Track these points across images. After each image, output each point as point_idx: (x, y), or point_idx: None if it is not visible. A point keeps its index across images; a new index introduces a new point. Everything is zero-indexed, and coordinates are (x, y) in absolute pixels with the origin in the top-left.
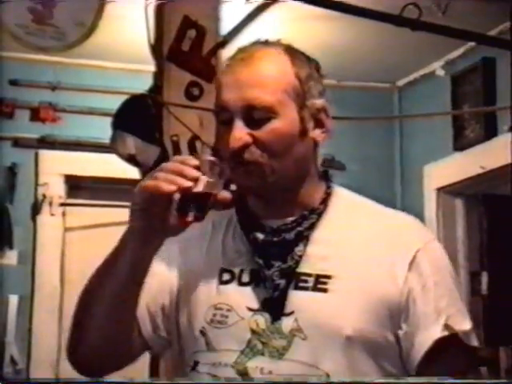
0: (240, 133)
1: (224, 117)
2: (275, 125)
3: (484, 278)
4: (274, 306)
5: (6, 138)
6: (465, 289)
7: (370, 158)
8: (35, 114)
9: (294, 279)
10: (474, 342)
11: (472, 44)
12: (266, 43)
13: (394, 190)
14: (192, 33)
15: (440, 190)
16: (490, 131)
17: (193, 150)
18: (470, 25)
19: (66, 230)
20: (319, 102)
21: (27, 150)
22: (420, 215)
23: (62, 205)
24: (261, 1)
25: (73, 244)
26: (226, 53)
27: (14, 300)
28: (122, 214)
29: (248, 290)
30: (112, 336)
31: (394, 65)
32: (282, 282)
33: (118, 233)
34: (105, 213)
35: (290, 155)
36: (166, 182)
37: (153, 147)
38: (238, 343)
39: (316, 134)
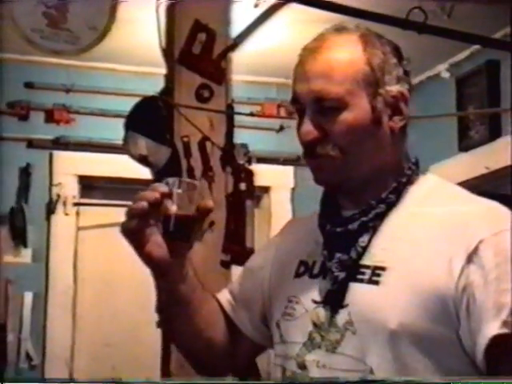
0: (308, 126)
1: (297, 108)
2: (345, 116)
3: None
4: (333, 299)
5: (21, 139)
6: None
7: None
8: (49, 116)
9: (355, 272)
10: None
11: (476, 47)
12: (341, 29)
13: None
14: (202, 36)
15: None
16: (494, 132)
17: (203, 151)
18: (474, 28)
19: (80, 229)
20: (395, 89)
21: (41, 151)
22: None
23: (76, 204)
24: (269, 4)
25: (86, 243)
26: (236, 55)
27: (28, 297)
28: None
29: (316, 282)
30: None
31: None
32: (342, 274)
33: None
34: (117, 212)
35: (363, 147)
36: (131, 212)
37: (164, 148)
38: (302, 336)
39: (393, 122)
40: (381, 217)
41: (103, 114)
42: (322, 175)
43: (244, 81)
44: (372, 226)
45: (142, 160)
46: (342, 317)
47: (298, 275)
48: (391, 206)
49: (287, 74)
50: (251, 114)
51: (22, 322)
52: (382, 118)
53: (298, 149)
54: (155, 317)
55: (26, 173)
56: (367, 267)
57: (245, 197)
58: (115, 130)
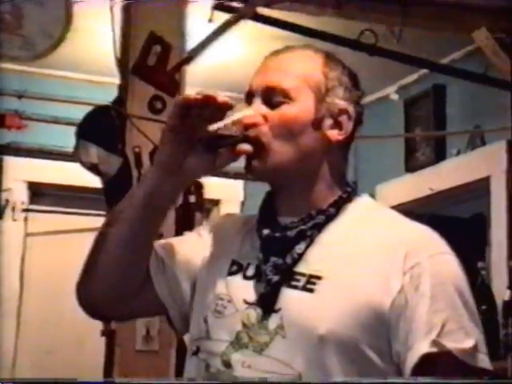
0: (251, 111)
1: (248, 100)
2: (287, 108)
3: None
4: (266, 302)
5: None
6: None
7: None
8: (1, 121)
9: (289, 277)
10: (481, 363)
11: (424, 71)
12: (308, 46)
13: None
14: (157, 48)
15: (391, 209)
16: (439, 154)
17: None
18: (422, 52)
19: (28, 235)
20: (343, 104)
21: None
22: None
23: (24, 210)
24: (224, 20)
25: (33, 249)
26: (190, 69)
27: None
28: (83, 221)
29: (249, 283)
30: (125, 264)
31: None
32: (275, 278)
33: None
34: (66, 220)
35: (295, 141)
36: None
37: (115, 157)
38: (230, 334)
39: (332, 133)
40: (319, 228)
41: (55, 121)
42: (250, 160)
43: None
44: (309, 236)
45: (93, 168)
46: (273, 320)
47: (230, 274)
48: (330, 218)
49: (240, 88)
50: None
51: None
52: (321, 124)
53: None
54: (99, 326)
55: None
56: (302, 275)
57: (194, 209)
58: (67, 138)
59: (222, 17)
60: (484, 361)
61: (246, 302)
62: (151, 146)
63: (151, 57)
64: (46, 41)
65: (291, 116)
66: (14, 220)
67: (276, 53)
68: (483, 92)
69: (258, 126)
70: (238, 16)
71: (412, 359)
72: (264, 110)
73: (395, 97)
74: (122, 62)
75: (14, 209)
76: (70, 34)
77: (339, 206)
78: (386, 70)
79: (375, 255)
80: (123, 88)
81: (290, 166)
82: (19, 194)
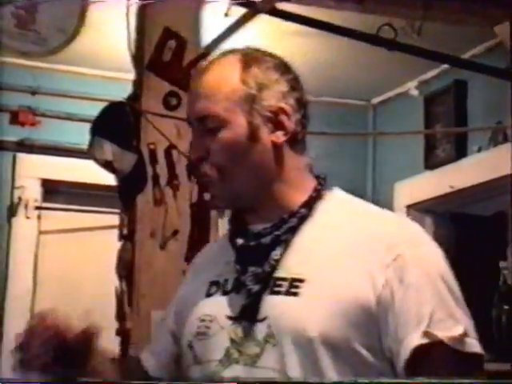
0: (194, 145)
1: (191, 128)
2: (223, 134)
3: None
4: (249, 313)
5: None
6: None
7: (342, 174)
8: (14, 118)
9: (270, 284)
10: (472, 348)
11: (445, 66)
12: (227, 53)
13: None
14: (172, 43)
15: (410, 207)
16: (460, 151)
17: (169, 159)
18: (443, 47)
19: (41, 233)
20: (276, 104)
21: (5, 153)
22: None
23: (38, 208)
24: (240, 14)
25: (47, 247)
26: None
27: None
28: (97, 219)
29: (229, 298)
30: None
31: (369, 83)
32: (256, 287)
33: (92, 238)
34: (80, 218)
35: (240, 165)
36: None
37: (130, 154)
38: (218, 353)
39: (275, 136)
40: (293, 231)
41: (69, 117)
42: (209, 196)
43: None
44: (284, 240)
45: (107, 166)
46: (261, 330)
47: (208, 295)
48: (303, 219)
49: None
50: None
51: None
52: (259, 134)
53: None
54: (114, 323)
55: None
56: (283, 279)
57: (209, 207)
58: (81, 135)
59: (239, 11)
60: (475, 345)
61: (229, 317)
62: (166, 142)
63: (166, 52)
64: (59, 36)
65: (227, 141)
66: (27, 218)
67: (199, 73)
68: (505, 87)
69: (203, 159)
70: (255, 10)
71: (404, 352)
72: (204, 142)
73: (415, 92)
74: (136, 58)
75: (26, 206)
76: (84, 30)
77: (310, 205)
78: (406, 66)
79: (355, 251)
80: (138, 84)
81: (249, 188)
82: (32, 192)
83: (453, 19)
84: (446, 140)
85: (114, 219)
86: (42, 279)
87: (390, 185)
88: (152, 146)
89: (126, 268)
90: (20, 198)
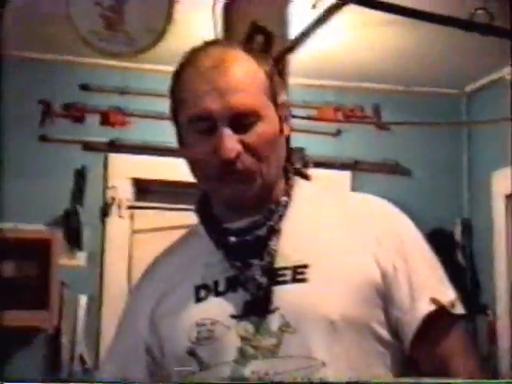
0: (231, 142)
1: (204, 126)
2: (261, 128)
3: None
4: (260, 306)
5: (77, 142)
6: None
7: (437, 164)
8: (105, 118)
9: (273, 275)
10: (461, 310)
11: None
12: (223, 44)
13: (462, 197)
14: (260, 38)
15: (509, 196)
16: None
17: None
18: None
19: (134, 232)
20: (284, 98)
21: (97, 154)
22: (488, 222)
23: (130, 207)
24: (328, 6)
25: (140, 246)
26: (293, 58)
27: (83, 300)
28: (188, 217)
29: (226, 298)
30: None
31: (462, 70)
32: (264, 279)
33: None
34: (171, 216)
35: (274, 156)
36: None
37: None
38: (230, 354)
39: (286, 129)
40: (280, 219)
41: (159, 116)
42: (238, 190)
43: (301, 84)
44: (276, 229)
45: None
46: (273, 321)
47: (200, 300)
48: (286, 207)
49: (345, 77)
50: (308, 118)
51: (76, 325)
52: (283, 127)
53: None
54: None
55: (81, 175)
56: (285, 268)
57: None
58: (170, 133)
59: (327, 2)
60: (462, 307)
61: (233, 316)
62: None
63: (254, 47)
64: (148, 35)
65: (267, 134)
66: (120, 217)
67: (214, 67)
68: None
69: (241, 155)
70: (342, 1)
71: (415, 321)
72: (236, 137)
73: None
74: None
75: (119, 206)
76: (172, 28)
77: (289, 192)
78: (501, 51)
79: (349, 230)
80: None
81: (272, 180)
82: (124, 191)
83: None
84: None
85: None
86: (137, 278)
87: (488, 174)
88: None
89: None
90: (113, 198)
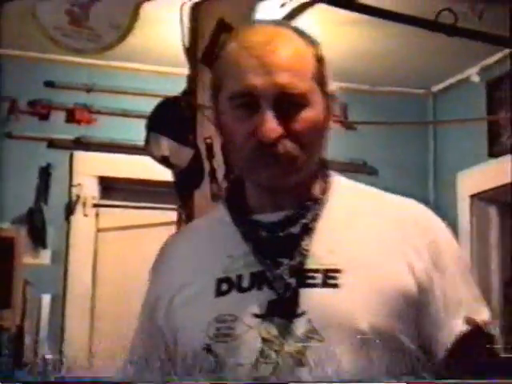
0: (273, 123)
1: (246, 103)
2: (307, 114)
3: None
4: (286, 308)
5: (42, 139)
6: (497, 298)
7: (403, 164)
8: (70, 116)
9: (303, 277)
10: (494, 331)
11: (508, 50)
12: (273, 22)
13: (427, 196)
14: (227, 36)
15: (474, 196)
16: None
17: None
18: (506, 31)
19: (99, 230)
20: (334, 88)
21: (62, 151)
22: (453, 222)
23: (96, 206)
24: (295, 4)
25: (105, 245)
26: None
27: (46, 299)
28: (155, 215)
29: (250, 295)
30: None
31: (428, 70)
32: (293, 280)
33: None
34: (137, 214)
35: (317, 148)
36: None
37: (186, 149)
38: (250, 355)
39: (331, 121)
40: (316, 218)
41: (125, 114)
42: (275, 176)
43: None
44: (310, 228)
45: (164, 161)
46: (299, 326)
47: (221, 293)
48: (322, 206)
49: None
50: None
51: (39, 324)
52: (329, 118)
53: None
54: None
55: (46, 173)
56: (316, 271)
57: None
58: (137, 131)
59: (294, 1)
60: (495, 328)
61: (256, 315)
62: None
63: (221, 45)
64: (113, 32)
65: (314, 122)
66: (85, 215)
67: (264, 44)
68: None
69: (282, 138)
70: (310, 0)
71: (448, 339)
72: (279, 119)
73: (477, 78)
74: (190, 52)
75: (84, 204)
76: (138, 25)
77: (326, 191)
78: (467, 51)
79: (386, 236)
80: (193, 78)
81: (311, 170)
82: (90, 189)
83: None
84: (510, 127)
85: (172, 215)
86: (101, 277)
87: (453, 174)
88: (208, 141)
89: None
90: (78, 196)
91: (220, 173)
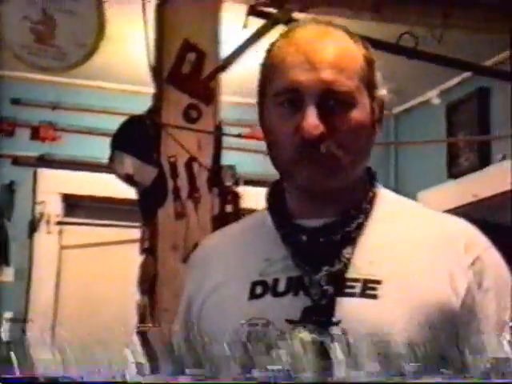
0: (315, 120)
1: (290, 100)
2: (354, 114)
3: None
4: (321, 316)
5: (6, 156)
6: None
7: None
8: (35, 133)
9: (342, 285)
10: None
11: (467, 74)
12: (323, 22)
13: None
14: (192, 56)
15: None
16: (483, 160)
17: (190, 172)
18: (465, 55)
19: (63, 248)
20: (384, 93)
21: (26, 168)
22: None
23: (59, 223)
24: (259, 26)
25: (69, 262)
26: (225, 76)
27: (8, 316)
28: (118, 233)
29: (285, 300)
30: None
31: (390, 92)
32: (331, 288)
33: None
34: (101, 232)
35: (363, 153)
36: None
37: (150, 167)
38: (279, 362)
39: (377, 128)
40: (360, 227)
41: (89, 132)
42: (316, 178)
43: (233, 102)
44: (353, 237)
45: (128, 179)
46: (334, 336)
47: (255, 297)
48: (367, 216)
49: None
50: (239, 136)
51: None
52: (375, 123)
53: None
54: (136, 338)
55: (9, 190)
56: (355, 280)
57: (231, 219)
58: (101, 149)
59: (257, 23)
60: None
61: (290, 321)
62: (187, 155)
63: (186, 65)
64: (78, 51)
65: (360, 123)
66: (49, 233)
67: (312, 40)
68: None
69: (325, 137)
70: (273, 22)
71: (488, 361)
72: (324, 117)
73: (437, 101)
74: (156, 71)
75: (48, 222)
76: (103, 43)
77: (371, 201)
78: (427, 74)
79: (430, 251)
80: (158, 97)
81: (356, 176)
82: (53, 207)
83: (474, 27)
84: (469, 148)
85: (136, 233)
86: (64, 294)
87: (413, 194)
88: (172, 159)
89: (148, 282)
90: (41, 214)
91: (184, 191)
